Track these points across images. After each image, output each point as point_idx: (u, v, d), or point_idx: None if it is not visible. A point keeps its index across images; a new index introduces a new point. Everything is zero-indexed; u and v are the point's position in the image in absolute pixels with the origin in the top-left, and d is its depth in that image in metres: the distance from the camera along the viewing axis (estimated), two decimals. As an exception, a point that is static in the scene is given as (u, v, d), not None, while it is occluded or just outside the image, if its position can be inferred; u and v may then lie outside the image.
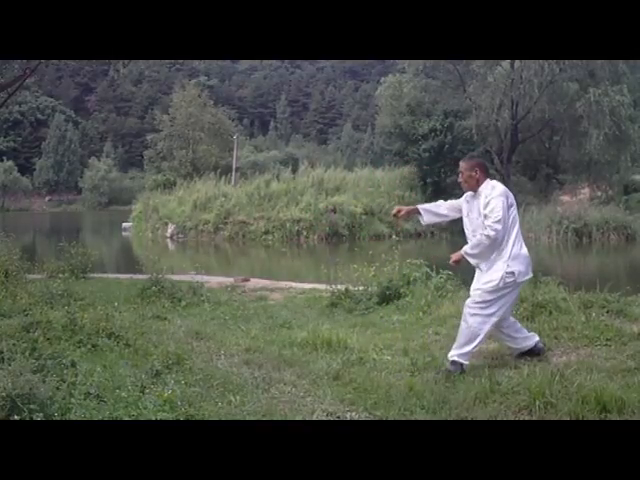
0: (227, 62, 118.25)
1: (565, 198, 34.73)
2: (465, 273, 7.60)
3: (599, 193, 35.52)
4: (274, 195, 31.92)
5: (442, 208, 6.61)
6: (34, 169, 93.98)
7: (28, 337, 6.30)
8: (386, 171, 35.54)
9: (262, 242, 29.61)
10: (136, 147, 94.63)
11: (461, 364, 6.02)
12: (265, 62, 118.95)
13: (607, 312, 7.89)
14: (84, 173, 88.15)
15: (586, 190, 36.71)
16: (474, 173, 6.25)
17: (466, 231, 6.41)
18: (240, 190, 33.36)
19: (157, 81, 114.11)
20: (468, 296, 6.27)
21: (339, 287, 10.13)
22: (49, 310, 7.90)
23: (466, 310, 6.13)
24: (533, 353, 6.43)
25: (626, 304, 8.18)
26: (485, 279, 6.14)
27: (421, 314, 8.59)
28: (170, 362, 6.01)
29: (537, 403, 4.93)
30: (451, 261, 6.31)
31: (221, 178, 35.37)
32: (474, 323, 6.04)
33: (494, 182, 6.28)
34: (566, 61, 30.28)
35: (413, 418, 4.85)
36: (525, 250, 6.17)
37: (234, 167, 40.88)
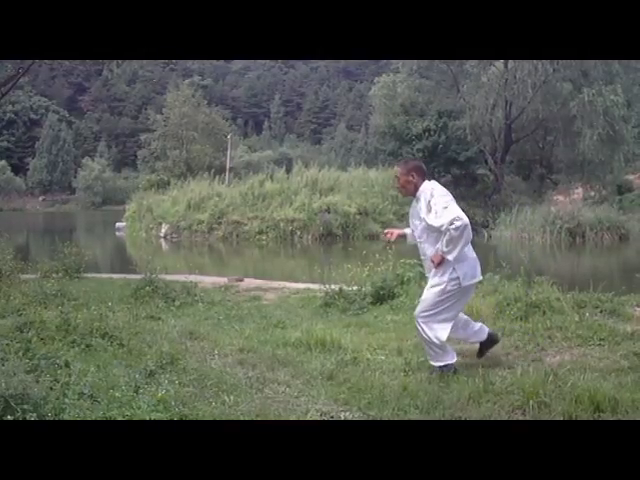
0: (221, 62, 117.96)
1: (559, 198, 34.83)
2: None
3: (593, 193, 35.61)
4: (268, 195, 31.89)
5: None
6: (27, 169, 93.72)
7: (22, 337, 6.29)
8: (380, 171, 35.49)
9: (256, 242, 29.57)
10: (130, 147, 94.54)
11: (451, 365, 5.97)
12: (259, 62, 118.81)
13: (600, 312, 7.93)
14: (78, 173, 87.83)
15: (580, 190, 36.83)
16: (411, 177, 6.02)
17: (417, 240, 6.16)
18: (234, 190, 33.29)
19: (151, 81, 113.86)
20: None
21: (333, 287, 10.12)
22: (43, 310, 7.89)
23: (417, 321, 5.89)
24: (492, 344, 6.31)
25: (619, 304, 8.23)
26: (431, 284, 5.94)
27: (415, 314, 8.58)
28: (164, 362, 6.00)
29: (531, 403, 4.95)
30: (434, 264, 5.88)
31: (215, 178, 35.32)
32: (429, 331, 5.81)
33: (432, 183, 6.02)
34: (560, 61, 30.35)
35: (407, 418, 4.85)
36: (472, 253, 5.98)
37: (228, 167, 40.76)
